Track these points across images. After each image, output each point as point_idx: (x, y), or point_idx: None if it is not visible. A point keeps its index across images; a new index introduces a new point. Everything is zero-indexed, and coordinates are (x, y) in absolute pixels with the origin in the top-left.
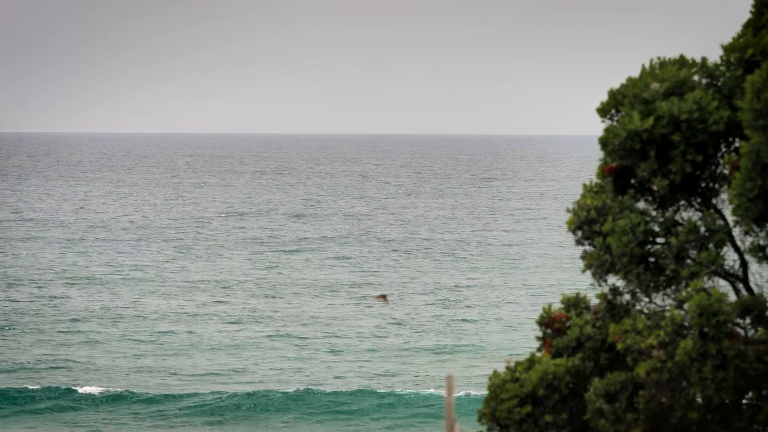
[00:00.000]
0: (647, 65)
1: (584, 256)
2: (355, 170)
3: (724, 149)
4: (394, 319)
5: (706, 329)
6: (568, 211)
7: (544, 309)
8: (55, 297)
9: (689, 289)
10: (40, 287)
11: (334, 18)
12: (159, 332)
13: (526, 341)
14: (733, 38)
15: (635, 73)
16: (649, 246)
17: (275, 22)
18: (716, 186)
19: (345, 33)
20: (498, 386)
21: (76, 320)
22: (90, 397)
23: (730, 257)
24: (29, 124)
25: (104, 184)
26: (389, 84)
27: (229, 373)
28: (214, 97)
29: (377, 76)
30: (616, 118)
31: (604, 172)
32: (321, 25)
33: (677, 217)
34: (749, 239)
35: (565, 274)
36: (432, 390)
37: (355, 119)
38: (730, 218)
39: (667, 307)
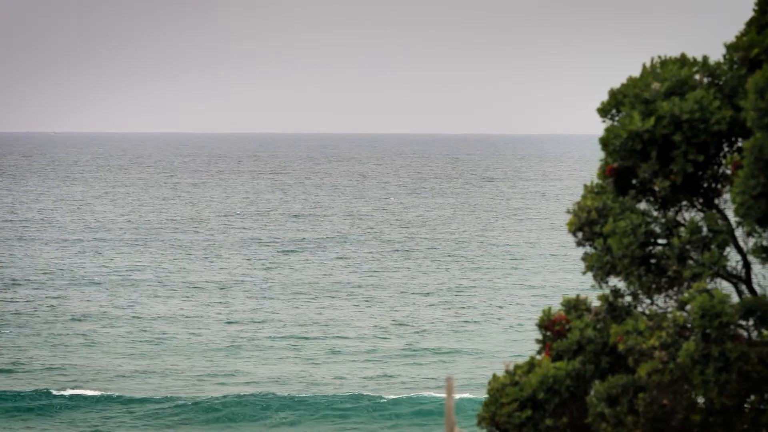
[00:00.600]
0: (648, 64)
1: (585, 257)
2: (355, 170)
3: (726, 149)
4: (395, 320)
5: (708, 331)
6: (568, 212)
7: (543, 311)
8: (52, 297)
9: (691, 290)
10: (37, 288)
11: (334, 18)
12: (157, 333)
13: (528, 343)
14: (737, 37)
15: (635, 73)
16: (650, 247)
17: (275, 22)
18: (718, 186)
19: (345, 33)
20: (497, 390)
21: (74, 321)
22: (88, 398)
23: (733, 258)
24: (29, 123)
25: (101, 184)
26: (389, 84)
27: (229, 375)
28: (214, 97)
29: (377, 76)
30: (616, 118)
31: (604, 172)
32: (321, 25)
33: (679, 218)
34: (752, 240)
35: (568, 275)
36: (432, 392)
37: (355, 119)
38: (733, 219)
39: (669, 309)
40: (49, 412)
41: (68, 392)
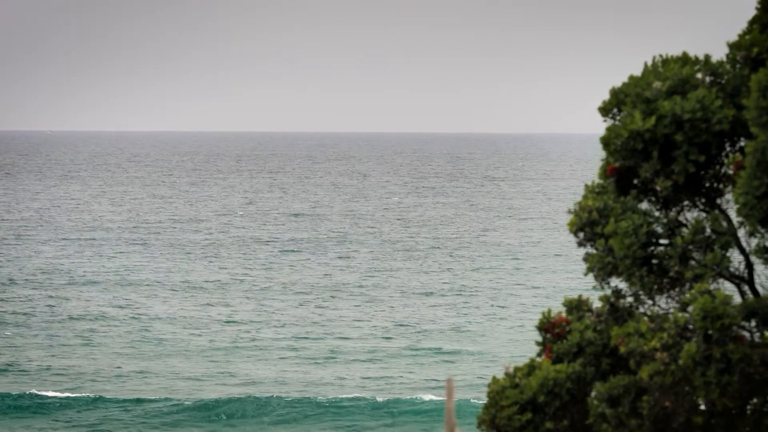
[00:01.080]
0: (649, 63)
1: (586, 258)
2: (355, 169)
3: (728, 149)
4: (395, 321)
5: (710, 332)
6: (569, 212)
7: (543, 314)
8: (50, 297)
9: (693, 291)
10: (35, 288)
11: (334, 18)
12: (157, 333)
13: (530, 344)
14: (739, 35)
15: (635, 73)
16: (652, 248)
17: (275, 22)
18: (720, 186)
19: (345, 33)
20: (497, 393)
21: (72, 321)
22: (87, 398)
23: (736, 258)
24: (28, 122)
25: (99, 183)
26: (389, 84)
27: (228, 375)
28: (214, 97)
29: (377, 76)
30: (618, 118)
31: (606, 172)
32: (321, 25)
33: (681, 218)
34: (755, 240)
35: (571, 275)
36: (432, 393)
37: (354, 119)
38: (735, 219)
39: (671, 310)
40: (48, 412)
41: (67, 392)
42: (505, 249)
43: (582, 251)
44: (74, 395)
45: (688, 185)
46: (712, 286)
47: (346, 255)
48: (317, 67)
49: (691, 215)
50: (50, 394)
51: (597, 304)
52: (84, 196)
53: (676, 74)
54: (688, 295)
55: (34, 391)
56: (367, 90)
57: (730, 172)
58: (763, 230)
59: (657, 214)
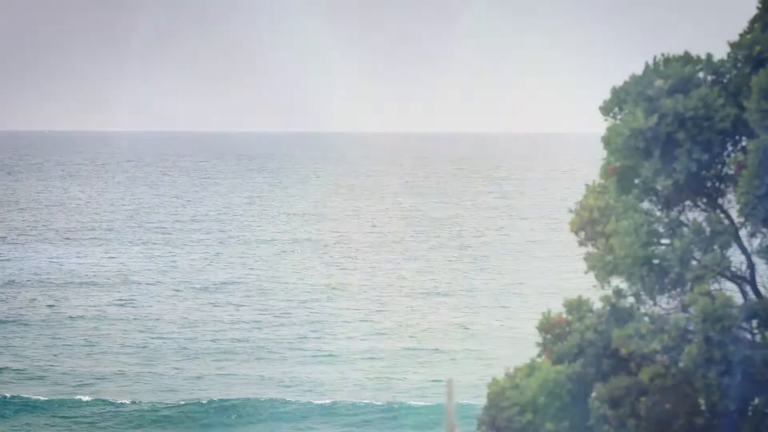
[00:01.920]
0: (651, 62)
1: (587, 257)
2: (356, 169)
3: (730, 148)
4: (396, 321)
5: (710, 334)
6: (570, 211)
7: (543, 314)
8: (49, 297)
9: (694, 293)
10: (34, 288)
11: (334, 18)
12: (157, 333)
13: (531, 345)
14: (740, 35)
15: (636, 72)
16: (653, 247)
17: (275, 22)
18: (722, 186)
19: (346, 32)
20: (498, 394)
21: (72, 321)
22: (86, 398)
23: (737, 259)
24: (25, 122)
25: (97, 182)
26: (389, 83)
27: (227, 376)
28: (214, 96)
29: (377, 76)
30: (619, 117)
31: (607, 171)
32: (321, 25)
33: (682, 218)
34: (756, 240)
35: (573, 275)
36: (432, 394)
37: (354, 119)
38: (736, 219)
39: (672, 311)
40: (48, 412)
41: (67, 392)
42: (506, 248)
43: (584, 250)
44: (74, 395)
45: (689, 184)
46: (713, 287)
47: (347, 255)
48: (317, 67)
49: (692, 215)
50: (50, 394)
51: (598, 305)
52: (84, 196)
53: (677, 73)
54: (688, 297)
55: (33, 390)
56: (367, 90)
57: (731, 172)
58: (764, 230)
59: (658, 213)
